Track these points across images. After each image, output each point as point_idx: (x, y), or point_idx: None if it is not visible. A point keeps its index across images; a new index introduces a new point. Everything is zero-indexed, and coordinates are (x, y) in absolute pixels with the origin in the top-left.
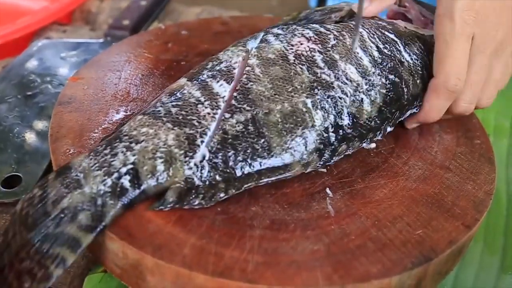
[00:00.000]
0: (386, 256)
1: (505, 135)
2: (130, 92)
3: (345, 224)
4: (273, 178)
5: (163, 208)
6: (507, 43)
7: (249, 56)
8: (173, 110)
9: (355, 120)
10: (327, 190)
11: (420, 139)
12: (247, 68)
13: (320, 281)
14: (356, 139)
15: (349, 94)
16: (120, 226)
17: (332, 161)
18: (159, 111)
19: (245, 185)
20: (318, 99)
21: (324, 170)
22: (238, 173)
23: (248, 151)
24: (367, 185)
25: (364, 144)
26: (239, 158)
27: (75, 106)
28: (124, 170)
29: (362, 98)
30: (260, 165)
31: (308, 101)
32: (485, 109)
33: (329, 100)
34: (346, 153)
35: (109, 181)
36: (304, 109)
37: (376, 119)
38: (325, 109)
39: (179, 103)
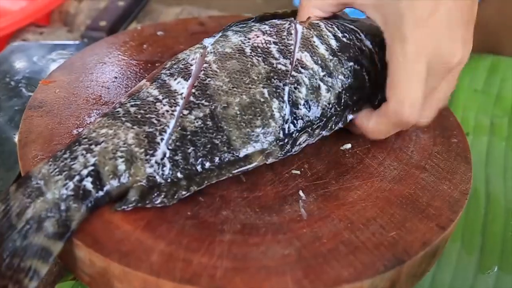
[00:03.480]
0: (358, 259)
1: (484, 133)
2: (102, 96)
3: (317, 227)
4: (234, 172)
5: (125, 207)
6: (462, 63)
7: (206, 53)
8: (132, 109)
9: (313, 108)
10: (300, 192)
11: (397, 138)
12: (205, 65)
13: (290, 286)
14: (316, 127)
15: (305, 82)
16: (87, 233)
17: (294, 150)
18: (117, 111)
19: (207, 181)
20: (274, 89)
21: (298, 172)
22: (199, 169)
23: (208, 146)
24: (341, 187)
25: (324, 132)
26: (199, 154)
27: (45, 110)
28: (85, 172)
29: (319, 85)
30: (221, 159)
31: (265, 91)
32: (465, 107)
33: (285, 88)
34: (309, 141)
35: (71, 185)
36: (262, 100)
37: (336, 106)
38: (282, 98)
39: (137, 102)
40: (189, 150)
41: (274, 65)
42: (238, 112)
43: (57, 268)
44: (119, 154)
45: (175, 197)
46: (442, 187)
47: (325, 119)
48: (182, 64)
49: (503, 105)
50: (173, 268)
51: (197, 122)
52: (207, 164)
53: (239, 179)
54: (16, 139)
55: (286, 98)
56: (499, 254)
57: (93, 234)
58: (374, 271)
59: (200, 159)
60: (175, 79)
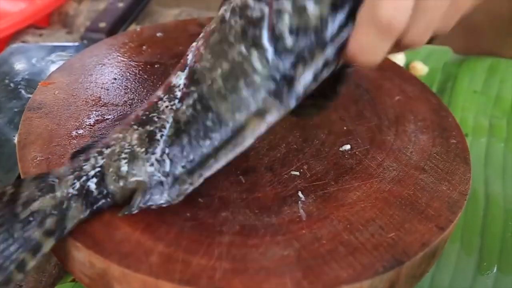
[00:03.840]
0: (357, 260)
1: (483, 134)
2: (102, 97)
3: (316, 228)
4: (236, 149)
5: (130, 212)
6: None
7: (198, 39)
8: (140, 113)
9: (302, 32)
10: (299, 193)
11: (396, 139)
12: (195, 53)
13: (289, 287)
14: (312, 51)
15: (287, 8)
16: (87, 235)
17: (299, 90)
18: (130, 117)
19: (209, 171)
20: (251, 39)
21: (297, 173)
22: (197, 159)
23: (202, 131)
24: (340, 188)
25: (327, 53)
26: (194, 142)
27: (45, 111)
28: (92, 173)
29: (304, 4)
30: (217, 140)
31: (242, 47)
32: (464, 108)
33: (263, 32)
34: (313, 70)
35: (77, 184)
36: (241, 58)
37: (332, 18)
38: (261, 45)
39: (145, 106)
40: (184, 142)
41: (249, 15)
42: (221, 84)
43: (56, 269)
44: (123, 155)
45: (179, 193)
46: (441, 188)
47: (321, 37)
48: (182, 59)
49: (502, 106)
50: (172, 270)
51: (188, 110)
52: (205, 150)
53: (239, 180)
54: (15, 140)
55: (265, 40)
56: (498, 255)
57: (93, 235)
58: (373, 272)
59: (196, 148)
60: (174, 74)
